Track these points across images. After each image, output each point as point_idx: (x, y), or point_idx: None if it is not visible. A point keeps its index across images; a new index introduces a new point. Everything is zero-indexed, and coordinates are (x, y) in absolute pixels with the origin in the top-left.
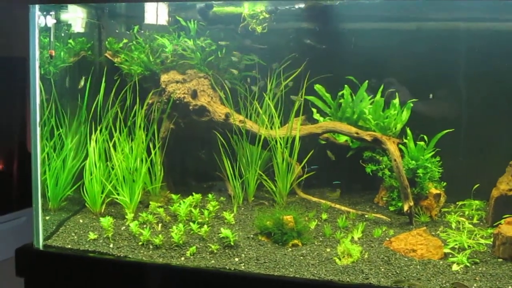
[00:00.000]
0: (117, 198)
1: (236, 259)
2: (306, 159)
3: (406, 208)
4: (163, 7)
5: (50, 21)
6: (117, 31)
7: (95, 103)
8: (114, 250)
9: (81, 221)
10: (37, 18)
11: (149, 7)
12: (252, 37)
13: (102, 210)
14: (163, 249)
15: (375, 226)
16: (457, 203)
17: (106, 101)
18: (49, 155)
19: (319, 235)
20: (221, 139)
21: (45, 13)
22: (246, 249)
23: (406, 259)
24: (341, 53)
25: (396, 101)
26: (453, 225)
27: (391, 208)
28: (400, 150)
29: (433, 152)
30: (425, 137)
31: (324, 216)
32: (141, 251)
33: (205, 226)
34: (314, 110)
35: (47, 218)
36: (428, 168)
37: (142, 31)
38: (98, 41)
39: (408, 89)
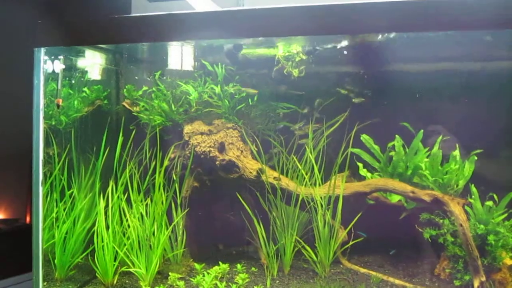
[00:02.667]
0: (131, 270)
1: None
2: (353, 222)
3: (476, 284)
4: (188, 51)
5: (58, 66)
6: (136, 77)
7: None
8: None
9: None
10: (42, 62)
11: (172, 51)
12: (287, 82)
13: (115, 282)
14: None
15: None
16: None
17: (122, 156)
18: (59, 216)
19: None
20: (252, 199)
21: (52, 57)
22: None
23: None
24: (392, 98)
25: (457, 153)
26: None
27: (457, 283)
28: (465, 212)
29: (505, 214)
30: (494, 195)
31: None
32: None
33: None
34: (360, 164)
35: None
36: (501, 234)
37: (164, 77)
38: (115, 89)
39: (471, 138)
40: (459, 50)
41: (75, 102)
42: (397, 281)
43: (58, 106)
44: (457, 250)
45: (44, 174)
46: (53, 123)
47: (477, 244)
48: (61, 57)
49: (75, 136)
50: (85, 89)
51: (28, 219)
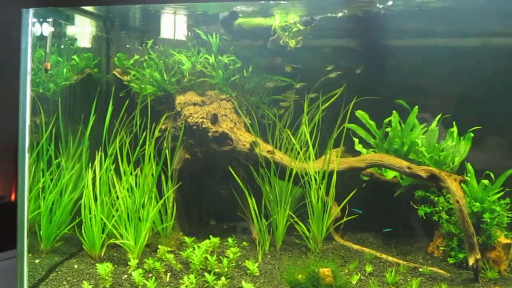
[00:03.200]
0: (119, 241)
1: None
2: (347, 199)
3: (471, 261)
4: (181, 19)
5: (47, 29)
6: (128, 46)
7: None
8: None
9: (76, 266)
10: (30, 24)
11: (165, 19)
12: (283, 54)
13: (102, 254)
14: None
15: (432, 283)
16: None
17: (112, 126)
18: (45, 187)
19: None
20: (245, 172)
21: (41, 19)
22: None
23: None
24: (389, 73)
25: (454, 130)
26: None
27: (451, 261)
28: (462, 189)
29: (501, 193)
30: (491, 174)
31: (369, 268)
32: None
33: (223, 278)
34: (356, 140)
35: (37, 261)
36: (496, 212)
37: (157, 46)
38: (106, 57)
39: (469, 115)
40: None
41: (64, 70)
42: (391, 258)
43: (46, 70)
44: (451, 228)
45: (31, 143)
46: (41, 90)
47: (472, 222)
48: (49, 20)
49: (63, 105)
50: (75, 57)
51: (13, 197)
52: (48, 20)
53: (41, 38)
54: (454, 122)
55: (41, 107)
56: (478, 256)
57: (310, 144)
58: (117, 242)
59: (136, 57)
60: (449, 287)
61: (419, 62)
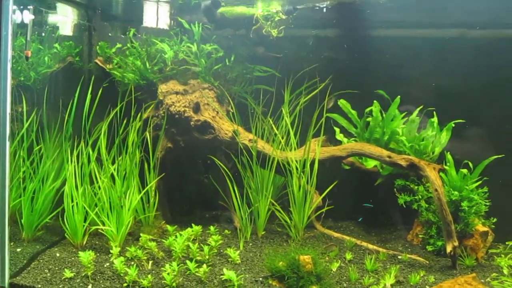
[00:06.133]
0: (101, 229)
1: None
2: (330, 188)
3: (449, 249)
4: (164, 8)
5: (28, 16)
6: (110, 34)
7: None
8: None
9: (58, 254)
10: (11, 12)
11: (148, 8)
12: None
13: (85, 242)
14: None
15: (410, 269)
16: (506, 243)
17: (93, 114)
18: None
19: (343, 280)
20: (227, 161)
21: (22, 7)
22: None
23: None
24: (371, 64)
25: (435, 120)
26: (505, 271)
27: (429, 248)
28: (440, 178)
29: (479, 182)
30: (469, 163)
31: (349, 256)
32: None
33: (205, 265)
34: (337, 129)
35: (19, 250)
36: (474, 201)
37: (139, 35)
38: (88, 46)
39: (449, 106)
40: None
41: (46, 58)
42: (371, 246)
43: (27, 58)
44: (430, 216)
45: (12, 132)
46: (22, 78)
47: (450, 211)
48: (30, 7)
49: (44, 93)
50: (56, 45)
51: None
52: (28, 7)
53: (22, 26)
54: (434, 112)
55: (23, 96)
56: (456, 244)
57: (291, 132)
58: (99, 228)
59: (119, 45)
60: (427, 274)
61: (403, 53)
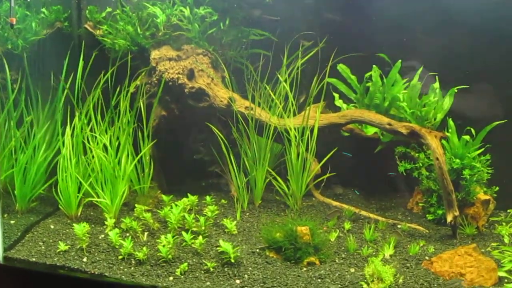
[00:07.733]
0: (96, 200)
1: (237, 281)
2: (328, 156)
3: (450, 218)
4: None
5: None
6: None
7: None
8: (87, 265)
9: (52, 226)
10: None
11: None
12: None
13: (79, 213)
14: (147, 265)
15: (410, 239)
16: (508, 210)
17: (85, 82)
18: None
19: (341, 250)
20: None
21: None
22: (250, 268)
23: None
24: (370, 27)
25: (437, 85)
26: (506, 239)
27: (429, 217)
28: (442, 146)
29: (481, 149)
30: (472, 130)
31: (347, 225)
32: (121, 267)
33: (200, 236)
34: (336, 95)
35: (12, 222)
36: (476, 169)
37: None
38: (76, 10)
39: (452, 71)
40: None
41: (33, 24)
42: (371, 215)
43: (11, 25)
44: (431, 184)
45: (1, 101)
46: (9, 46)
47: (452, 179)
48: None
49: (33, 61)
50: (43, 10)
51: None
52: None
53: None
54: (436, 77)
55: (6, 64)
56: (456, 213)
57: (290, 97)
58: (93, 199)
59: (109, 9)
60: (427, 244)
61: (402, 15)
